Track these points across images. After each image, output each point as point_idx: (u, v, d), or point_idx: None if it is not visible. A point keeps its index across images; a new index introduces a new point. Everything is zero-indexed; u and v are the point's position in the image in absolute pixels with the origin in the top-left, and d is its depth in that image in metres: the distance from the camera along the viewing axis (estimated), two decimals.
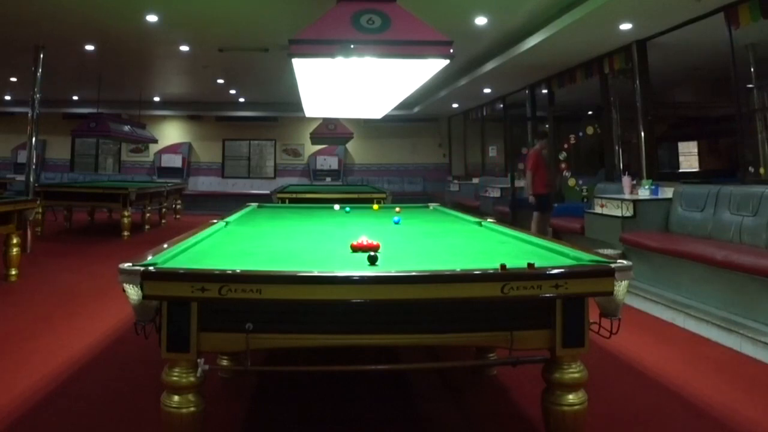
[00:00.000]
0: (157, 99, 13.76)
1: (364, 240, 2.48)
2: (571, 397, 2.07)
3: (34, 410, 2.64)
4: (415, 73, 3.86)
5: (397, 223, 3.71)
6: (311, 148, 14.92)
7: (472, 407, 2.81)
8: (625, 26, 5.94)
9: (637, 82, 6.52)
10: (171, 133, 15.39)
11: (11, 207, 5.36)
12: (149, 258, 2.08)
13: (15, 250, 5.42)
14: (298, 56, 3.34)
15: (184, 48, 8.27)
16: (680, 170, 12.90)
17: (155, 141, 13.51)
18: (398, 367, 3.16)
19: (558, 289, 1.94)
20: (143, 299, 1.87)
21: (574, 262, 2.19)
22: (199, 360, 1.96)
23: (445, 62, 3.48)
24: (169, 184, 11.08)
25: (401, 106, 7.81)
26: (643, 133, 6.51)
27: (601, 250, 2.94)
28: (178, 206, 11.77)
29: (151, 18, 6.62)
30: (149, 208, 9.71)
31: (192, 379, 1.96)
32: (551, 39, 6.38)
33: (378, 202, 5.42)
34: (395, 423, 2.63)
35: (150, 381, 2.71)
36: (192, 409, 1.97)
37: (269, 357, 3.13)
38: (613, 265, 2.01)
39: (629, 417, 2.69)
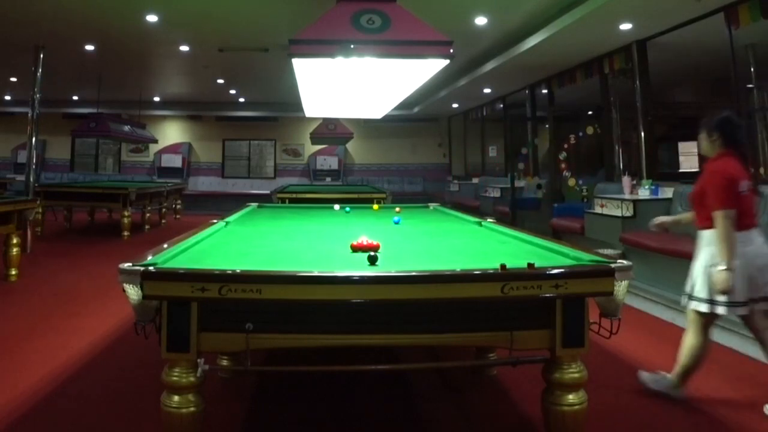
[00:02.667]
0: (157, 99, 13.77)
1: (364, 240, 2.48)
2: (571, 397, 2.08)
3: (34, 410, 2.64)
4: (415, 73, 3.86)
5: (397, 223, 3.71)
6: (311, 148, 14.92)
7: (472, 407, 2.81)
8: (625, 26, 5.94)
9: (637, 82, 6.52)
10: (171, 133, 15.40)
11: (11, 207, 5.36)
12: (149, 258, 2.08)
13: (15, 250, 5.42)
14: (298, 56, 3.35)
15: (184, 48, 8.27)
16: (680, 170, 12.88)
17: (155, 141, 13.51)
18: (398, 367, 3.16)
19: (558, 289, 1.94)
20: (143, 299, 1.87)
21: (574, 262, 2.19)
22: (199, 360, 1.96)
23: (445, 62, 3.48)
24: (169, 184, 11.07)
25: (401, 106, 7.81)
26: (643, 133, 6.51)
27: (601, 250, 2.93)
28: (178, 206, 11.76)
29: (151, 18, 6.62)
30: (149, 208, 9.70)
31: (192, 379, 1.96)
32: (551, 39, 6.38)
33: (378, 202, 5.42)
34: (395, 423, 2.63)
35: (150, 381, 2.70)
36: (192, 409, 1.97)
37: (269, 357, 3.12)
38: (613, 265, 2.01)
39: (629, 417, 2.69)
